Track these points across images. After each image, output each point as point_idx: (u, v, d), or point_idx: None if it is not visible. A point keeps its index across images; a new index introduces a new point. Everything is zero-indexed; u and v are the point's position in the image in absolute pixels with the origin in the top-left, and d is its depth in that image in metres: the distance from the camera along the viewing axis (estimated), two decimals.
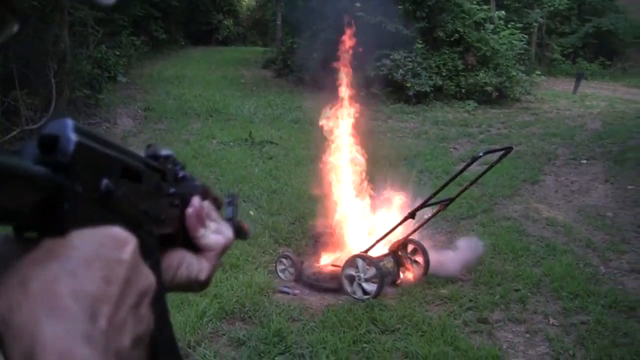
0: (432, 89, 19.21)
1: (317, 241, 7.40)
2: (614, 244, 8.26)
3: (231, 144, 13.71)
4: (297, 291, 6.92)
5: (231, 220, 1.04)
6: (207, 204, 0.91)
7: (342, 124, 7.98)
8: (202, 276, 0.85)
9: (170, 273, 0.82)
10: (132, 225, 0.64)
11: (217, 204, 0.99)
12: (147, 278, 0.62)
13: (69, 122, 0.56)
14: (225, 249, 0.90)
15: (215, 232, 0.89)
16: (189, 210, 0.85)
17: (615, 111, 18.06)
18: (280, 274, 7.22)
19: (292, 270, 7.18)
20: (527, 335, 5.92)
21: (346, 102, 8.05)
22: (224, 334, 5.62)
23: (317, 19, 17.15)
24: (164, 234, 0.79)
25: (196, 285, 0.86)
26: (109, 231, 0.58)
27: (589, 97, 20.52)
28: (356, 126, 8.02)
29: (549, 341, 5.76)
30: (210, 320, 5.76)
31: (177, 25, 28.15)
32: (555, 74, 25.69)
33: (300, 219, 8.21)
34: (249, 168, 11.73)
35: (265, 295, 6.61)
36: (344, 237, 7.42)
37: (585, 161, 12.65)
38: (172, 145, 13.43)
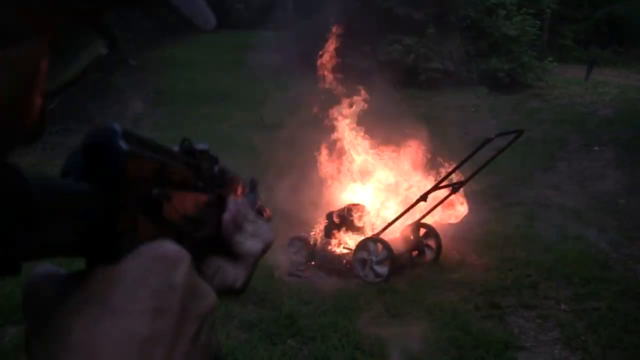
0: (444, 74, 19.11)
1: (330, 224, 7.39)
2: (625, 230, 8.23)
3: (242, 127, 13.69)
4: (309, 274, 6.94)
5: (254, 207, 1.01)
6: (244, 202, 0.87)
7: (352, 109, 7.98)
8: (238, 284, 0.81)
9: (207, 281, 0.73)
10: (179, 234, 0.61)
11: (252, 188, 0.97)
12: (206, 299, 0.56)
13: (117, 129, 0.50)
14: (263, 253, 0.85)
15: (253, 236, 0.84)
16: (226, 216, 0.80)
17: (627, 98, 17.92)
18: (293, 257, 7.23)
19: (304, 252, 7.19)
20: (539, 321, 5.92)
21: (356, 88, 8.04)
22: (235, 317, 5.63)
23: (329, 4, 17.05)
24: (204, 237, 0.75)
25: (230, 292, 0.81)
26: (158, 251, 0.52)
27: (601, 84, 20.37)
28: (367, 111, 8.01)
29: (561, 327, 5.76)
30: (222, 302, 5.77)
31: None
32: (567, 61, 25.53)
33: (313, 202, 8.19)
34: (260, 151, 11.71)
35: (277, 279, 6.62)
36: (356, 220, 7.42)
37: (597, 148, 12.59)
38: (182, 129, 13.44)
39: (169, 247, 0.53)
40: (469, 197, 7.89)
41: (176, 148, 0.75)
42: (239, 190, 0.93)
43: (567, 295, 6.42)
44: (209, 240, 0.77)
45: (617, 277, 6.74)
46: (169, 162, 0.60)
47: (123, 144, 0.49)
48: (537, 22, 20.71)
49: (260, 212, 1.04)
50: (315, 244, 7.30)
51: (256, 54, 18.66)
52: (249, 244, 0.82)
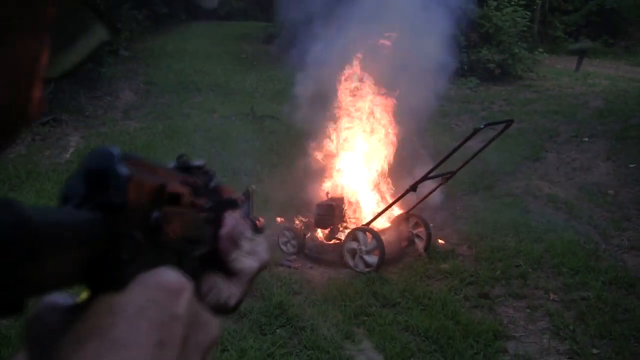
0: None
1: (319, 214, 7.40)
2: (614, 221, 8.26)
3: (232, 118, 13.66)
4: (299, 264, 6.95)
5: (248, 218, 1.00)
6: (241, 219, 0.85)
7: (343, 100, 7.98)
8: (232, 302, 0.79)
9: (201, 298, 0.73)
10: (179, 256, 0.60)
11: (244, 201, 0.94)
12: (209, 330, 0.55)
13: (116, 152, 0.49)
14: (258, 273, 0.84)
15: (249, 254, 0.82)
16: (223, 232, 0.78)
17: (617, 89, 17.95)
18: (283, 247, 7.24)
19: (294, 242, 7.20)
20: (528, 311, 5.95)
21: (347, 79, 8.03)
22: None
23: None
24: (201, 254, 0.74)
25: (224, 311, 0.78)
26: (160, 279, 0.51)
27: (592, 75, 20.40)
28: (358, 102, 8.00)
29: (550, 316, 5.79)
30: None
31: None
32: (557, 52, 25.55)
33: (302, 193, 8.20)
34: (251, 142, 11.69)
35: (267, 268, 6.61)
36: (346, 210, 7.43)
37: (587, 139, 12.61)
38: (172, 119, 13.42)
39: (171, 275, 0.52)
40: (458, 187, 7.92)
41: (172, 164, 0.75)
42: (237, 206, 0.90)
43: (556, 285, 6.45)
44: (206, 257, 0.76)
45: (606, 268, 6.77)
46: (168, 182, 0.58)
47: (123, 168, 0.49)
48: (527, 13, 20.67)
49: (254, 223, 1.03)
50: (305, 234, 7.30)
51: (247, 45, 18.61)
52: (245, 261, 0.81)
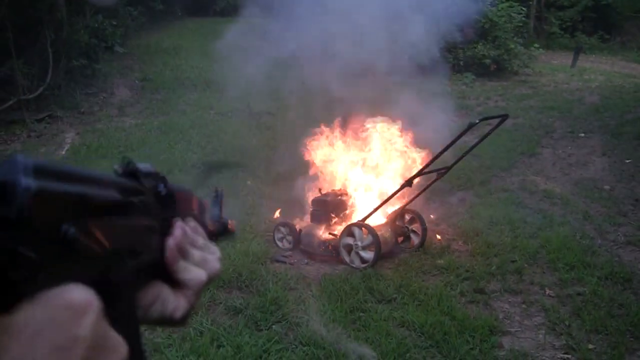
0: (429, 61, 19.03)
1: (315, 210, 7.40)
2: (610, 216, 8.27)
3: (229, 114, 13.66)
4: (294, 260, 6.95)
5: (218, 221, 0.99)
6: (192, 227, 0.81)
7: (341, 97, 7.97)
8: (177, 314, 0.75)
9: (143, 309, 0.72)
10: (100, 270, 0.55)
11: (203, 207, 0.92)
12: (115, 353, 0.51)
13: (21, 162, 0.46)
14: (207, 284, 0.79)
15: (199, 264, 0.78)
16: (169, 242, 0.74)
17: (613, 85, 17.98)
18: (278, 242, 7.24)
19: (290, 238, 7.21)
20: (524, 306, 5.95)
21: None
22: (220, 303, 5.64)
23: None
24: (141, 264, 0.68)
25: (169, 323, 0.76)
26: (63, 298, 0.47)
27: (587, 71, 20.43)
28: (355, 99, 8.00)
29: (545, 312, 5.79)
30: (207, 288, 5.76)
31: None
32: (553, 48, 25.57)
33: (298, 189, 8.19)
34: (247, 138, 11.70)
35: (262, 264, 6.63)
36: (342, 206, 7.42)
37: (582, 134, 12.62)
38: (168, 115, 13.41)
39: (76, 293, 0.48)
40: (454, 183, 7.91)
41: (117, 167, 0.70)
42: (194, 209, 0.87)
43: (552, 281, 6.45)
44: (151, 266, 0.72)
45: (602, 263, 6.76)
46: (91, 192, 0.55)
47: (29, 181, 0.45)
48: (523, 9, 20.68)
49: (224, 225, 1.01)
50: (300, 230, 7.29)
51: (243, 41, 18.56)
52: (193, 273, 0.77)
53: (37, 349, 0.44)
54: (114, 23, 16.33)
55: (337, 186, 7.76)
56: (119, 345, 0.52)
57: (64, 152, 11.04)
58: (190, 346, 4.90)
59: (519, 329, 5.55)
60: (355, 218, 7.27)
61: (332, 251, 6.94)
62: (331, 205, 7.32)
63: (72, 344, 0.46)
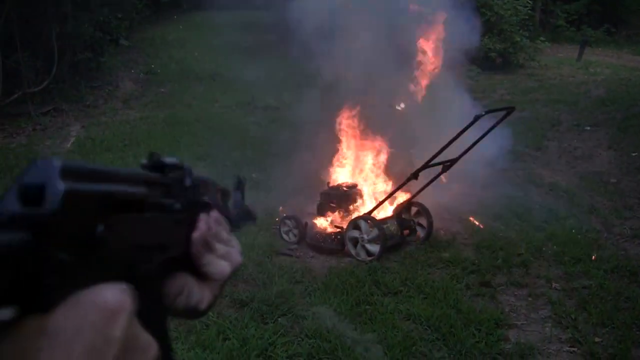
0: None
1: (322, 203, 7.39)
2: (616, 210, 8.25)
3: (234, 107, 13.66)
4: (300, 253, 6.95)
5: (241, 207, 1.00)
6: (217, 219, 0.81)
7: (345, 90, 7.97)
8: (202, 306, 0.77)
9: (168, 301, 0.73)
10: (128, 266, 0.56)
11: (226, 196, 0.93)
12: (146, 353, 0.52)
13: (50, 164, 0.46)
14: (231, 276, 0.81)
15: (223, 257, 0.79)
16: (195, 235, 0.75)
17: (619, 78, 17.91)
18: (284, 236, 7.23)
19: (295, 231, 7.19)
20: (530, 299, 5.94)
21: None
22: (226, 296, 5.63)
23: None
24: (168, 258, 0.70)
25: (194, 314, 0.78)
26: (96, 299, 0.47)
27: (593, 64, 20.34)
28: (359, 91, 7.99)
29: (551, 305, 5.78)
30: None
31: None
32: (559, 41, 25.47)
33: (304, 182, 8.18)
34: (252, 132, 11.70)
35: (268, 257, 6.63)
36: (348, 198, 7.41)
37: (588, 127, 12.58)
38: (173, 109, 13.41)
39: (109, 294, 0.48)
40: (459, 176, 7.90)
41: (144, 161, 0.71)
42: (217, 198, 0.88)
43: (558, 274, 6.45)
44: (177, 259, 0.73)
45: (608, 256, 6.76)
46: (119, 190, 0.55)
47: (59, 183, 0.45)
48: (529, 2, 20.60)
49: (247, 212, 1.03)
50: (306, 223, 7.28)
51: (247, 34, 18.54)
52: (219, 265, 0.78)
53: (72, 351, 0.44)
54: (119, 16, 16.29)
55: (344, 179, 7.75)
56: (150, 344, 0.53)
57: (69, 145, 11.05)
58: (196, 339, 4.91)
59: (525, 322, 5.54)
60: (362, 211, 7.27)
61: (338, 244, 6.93)
62: (338, 198, 7.31)
63: (106, 345, 0.46)
